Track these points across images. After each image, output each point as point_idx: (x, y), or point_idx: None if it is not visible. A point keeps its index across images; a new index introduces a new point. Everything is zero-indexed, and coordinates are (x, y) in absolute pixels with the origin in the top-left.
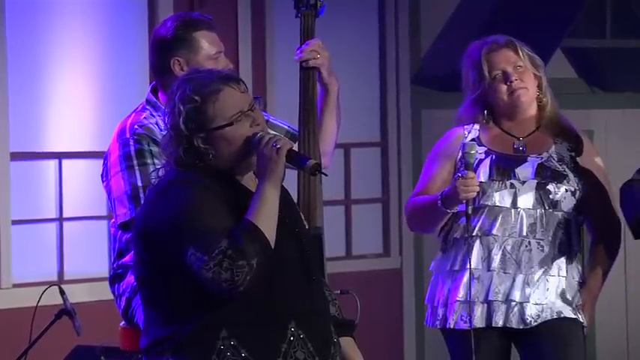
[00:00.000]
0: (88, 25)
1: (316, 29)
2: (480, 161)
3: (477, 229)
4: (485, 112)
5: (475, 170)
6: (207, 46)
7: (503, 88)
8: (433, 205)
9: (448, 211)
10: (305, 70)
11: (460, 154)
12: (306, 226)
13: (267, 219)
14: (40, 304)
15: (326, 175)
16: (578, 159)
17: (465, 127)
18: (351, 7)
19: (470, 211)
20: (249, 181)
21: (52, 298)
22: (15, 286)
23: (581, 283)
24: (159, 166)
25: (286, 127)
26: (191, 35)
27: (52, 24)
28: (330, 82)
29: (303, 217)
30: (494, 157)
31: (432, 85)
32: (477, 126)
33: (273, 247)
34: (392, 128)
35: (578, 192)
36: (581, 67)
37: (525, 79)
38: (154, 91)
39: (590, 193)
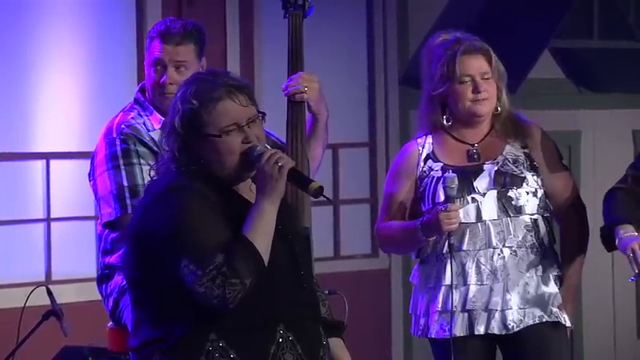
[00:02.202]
0: (75, 25)
1: (305, 30)
2: (438, 179)
3: (446, 247)
4: (445, 117)
5: (435, 190)
6: (150, 54)
7: (469, 94)
8: (412, 233)
9: (428, 240)
10: (293, 103)
11: (441, 187)
12: (301, 232)
13: (263, 236)
14: (27, 304)
15: (329, 199)
16: (532, 154)
17: (418, 140)
18: (339, 7)
19: (452, 241)
20: (245, 189)
21: (40, 298)
22: (2, 286)
23: (560, 276)
24: (153, 165)
25: (273, 138)
26: (149, 42)
27: (40, 23)
28: (319, 112)
29: (297, 223)
30: (450, 172)
31: (421, 86)
32: (429, 139)
33: (266, 264)
34: (380, 129)
35: (539, 190)
36: (569, 67)
37: (490, 90)
38: (143, 90)
39: (551, 185)
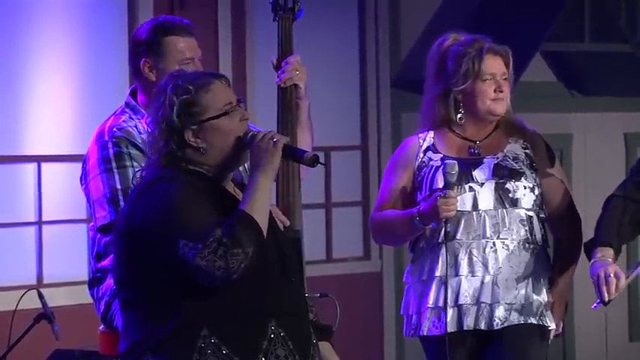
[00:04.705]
0: (67, 27)
1: (296, 33)
2: (437, 168)
3: (440, 235)
4: (460, 114)
5: (433, 178)
6: (177, 51)
7: (491, 93)
8: (408, 221)
9: (425, 227)
10: (283, 89)
11: (440, 173)
12: (281, 229)
13: (260, 208)
14: (18, 307)
15: (324, 164)
16: (533, 157)
17: (420, 135)
18: (330, 10)
19: (448, 229)
20: (229, 188)
21: (31, 302)
22: None
23: (551, 278)
24: (140, 168)
25: None
26: (162, 39)
27: (31, 25)
28: (303, 99)
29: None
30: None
31: (412, 89)
32: (431, 133)
33: (265, 237)
34: (372, 131)
35: (536, 187)
36: (561, 70)
37: (506, 91)
38: (133, 93)
39: (547, 191)
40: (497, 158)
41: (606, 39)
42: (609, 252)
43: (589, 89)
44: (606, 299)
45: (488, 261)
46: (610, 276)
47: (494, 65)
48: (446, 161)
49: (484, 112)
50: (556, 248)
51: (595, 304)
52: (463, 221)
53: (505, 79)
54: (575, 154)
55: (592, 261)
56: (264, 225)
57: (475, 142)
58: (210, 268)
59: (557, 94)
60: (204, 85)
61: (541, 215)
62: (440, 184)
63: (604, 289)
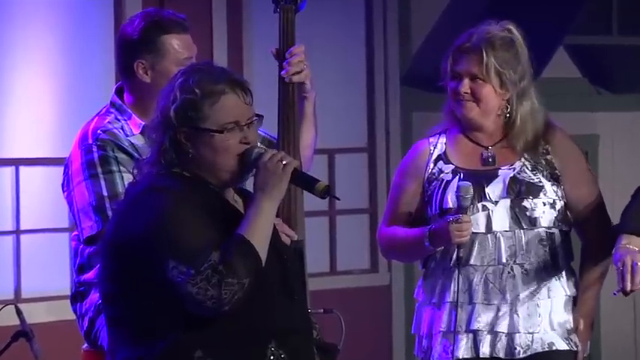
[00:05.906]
0: (49, 22)
1: (298, 26)
2: (447, 183)
3: (454, 259)
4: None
5: (443, 195)
6: (176, 51)
7: (452, 93)
8: (418, 241)
9: (435, 250)
10: (286, 84)
11: (455, 196)
12: (287, 243)
13: (261, 235)
14: None
15: (338, 199)
16: (554, 161)
17: (430, 140)
18: (336, 1)
19: (461, 254)
20: (229, 197)
21: (8, 318)
22: None
23: (575, 297)
24: (133, 170)
25: (262, 134)
26: (158, 38)
27: (11, 20)
28: (310, 92)
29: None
30: (462, 176)
31: (423, 86)
32: (443, 139)
33: (263, 265)
34: (380, 132)
35: (558, 201)
36: (586, 66)
37: (480, 93)
38: (119, 92)
39: (575, 198)
40: (514, 169)
41: (636, 32)
42: (636, 240)
43: (617, 86)
44: (628, 289)
45: (506, 288)
46: (637, 264)
47: (460, 64)
48: (459, 183)
49: (458, 113)
50: (584, 254)
51: (615, 292)
52: (477, 244)
53: (476, 79)
54: (601, 156)
55: (616, 247)
56: (263, 254)
57: (487, 148)
58: (202, 296)
59: (582, 91)
60: (213, 95)
61: (564, 229)
62: (450, 203)
63: (628, 277)
